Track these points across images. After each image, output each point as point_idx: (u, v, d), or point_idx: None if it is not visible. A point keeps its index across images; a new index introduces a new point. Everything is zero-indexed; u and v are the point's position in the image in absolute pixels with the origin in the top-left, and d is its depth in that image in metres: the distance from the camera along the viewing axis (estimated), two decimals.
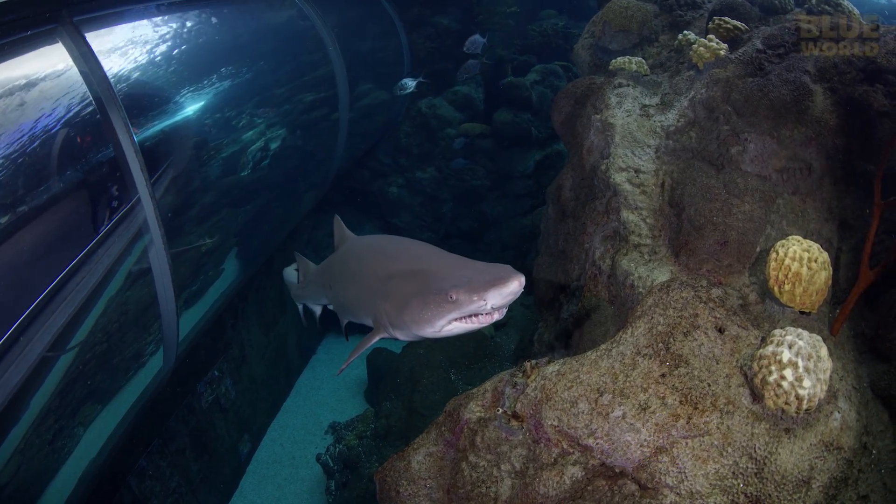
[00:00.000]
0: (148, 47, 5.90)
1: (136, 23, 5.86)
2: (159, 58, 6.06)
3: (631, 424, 3.13)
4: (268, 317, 10.35)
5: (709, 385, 3.22)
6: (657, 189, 5.25)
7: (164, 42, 6.23)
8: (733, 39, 6.03)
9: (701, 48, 5.79)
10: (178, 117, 6.17)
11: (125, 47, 5.51)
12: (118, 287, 4.88)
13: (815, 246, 3.87)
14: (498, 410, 3.52)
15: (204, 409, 8.24)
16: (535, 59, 14.42)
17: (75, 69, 4.59)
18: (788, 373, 3.09)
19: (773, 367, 3.13)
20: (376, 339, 4.41)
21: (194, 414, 8.04)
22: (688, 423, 3.09)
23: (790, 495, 2.98)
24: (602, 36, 7.60)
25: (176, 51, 6.35)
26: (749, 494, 2.95)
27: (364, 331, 4.64)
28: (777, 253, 3.84)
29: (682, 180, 5.05)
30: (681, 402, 3.15)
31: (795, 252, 3.78)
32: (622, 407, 3.18)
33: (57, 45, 4.49)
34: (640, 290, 4.64)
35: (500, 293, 3.62)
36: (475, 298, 3.62)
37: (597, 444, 3.16)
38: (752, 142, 4.93)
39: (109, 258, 4.64)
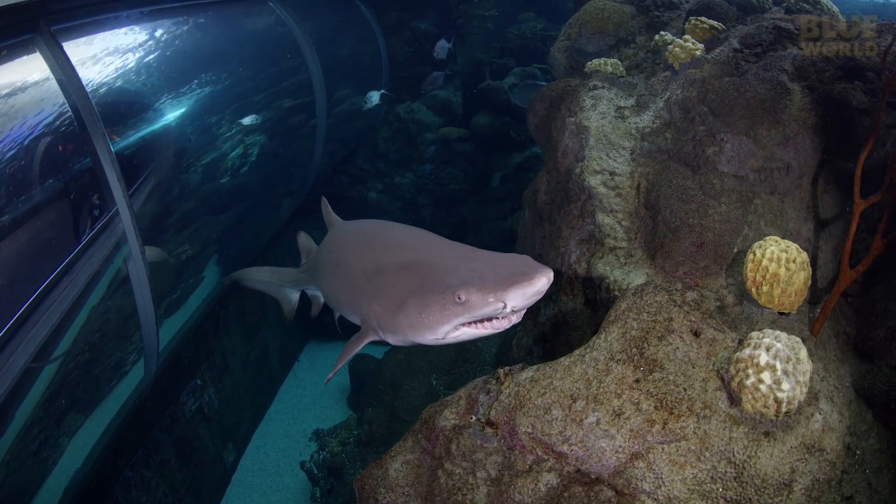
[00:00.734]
0: (127, 55, 5.87)
1: (116, 31, 5.83)
2: (138, 65, 6.04)
3: (605, 431, 3.12)
4: (249, 325, 10.31)
5: (684, 389, 3.20)
6: (632, 191, 5.21)
7: (143, 50, 6.20)
8: (710, 39, 6.05)
9: (676, 49, 5.80)
10: (158, 124, 6.15)
11: (104, 56, 5.48)
12: (100, 296, 4.85)
13: (794, 246, 3.84)
14: (472, 418, 3.45)
15: (188, 418, 8.19)
16: (513, 61, 14.50)
17: (53, 79, 4.57)
18: (766, 376, 3.06)
19: (750, 371, 3.10)
20: (365, 342, 3.92)
21: (178, 423, 7.99)
22: (663, 428, 3.08)
23: (771, 499, 2.97)
24: (578, 38, 7.59)
25: (155, 58, 6.33)
26: (729, 499, 2.94)
27: (356, 328, 4.18)
28: (754, 254, 3.81)
29: (657, 182, 5.03)
30: (656, 407, 3.14)
31: (773, 253, 3.75)
32: (596, 413, 3.17)
33: (35, 54, 4.46)
34: (616, 293, 4.60)
35: (523, 293, 3.14)
36: (491, 299, 3.13)
37: (571, 450, 3.14)
38: (728, 142, 4.92)
39: (91, 267, 4.61)
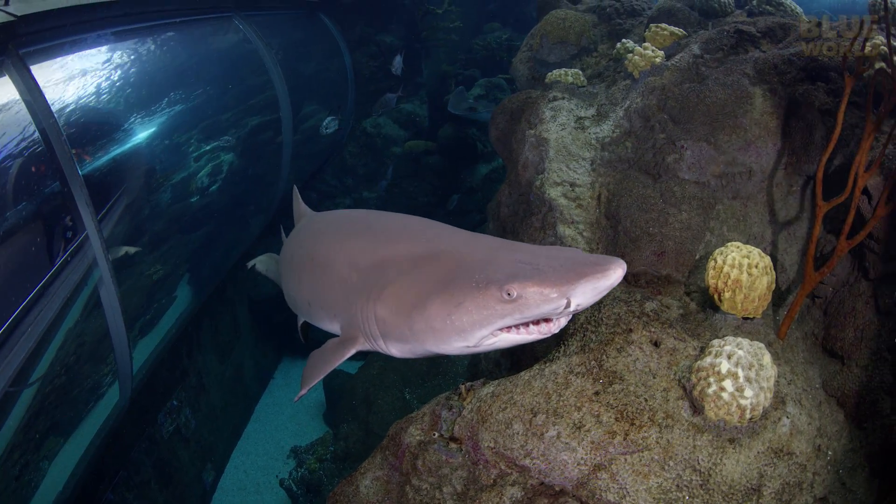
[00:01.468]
0: (96, 76, 5.88)
1: (84, 53, 5.84)
2: (108, 86, 6.05)
3: (566, 444, 3.12)
4: (223, 344, 10.25)
5: (645, 400, 3.23)
6: (593, 202, 5.13)
7: (113, 70, 6.21)
8: (671, 46, 5.99)
9: (636, 57, 5.74)
10: (128, 145, 6.15)
11: (73, 77, 5.49)
12: (76, 319, 4.83)
13: (756, 251, 3.81)
14: (435, 434, 3.43)
15: (166, 439, 8.11)
16: (479, 73, 14.59)
17: (22, 102, 4.56)
18: (728, 384, 3.10)
19: (711, 379, 3.14)
20: (349, 354, 3.34)
21: (156, 445, 7.91)
22: (625, 439, 3.09)
23: None
24: (540, 49, 7.53)
25: (123, 78, 6.34)
26: None
27: (321, 337, 3.61)
28: (715, 261, 3.76)
29: (618, 192, 4.97)
30: (616, 418, 3.16)
31: (734, 259, 3.69)
32: (556, 427, 3.17)
33: (4, 77, 4.45)
34: None
35: (594, 287, 2.64)
36: (554, 295, 2.62)
37: (534, 464, 3.14)
38: (688, 149, 4.86)
39: (66, 289, 4.60)
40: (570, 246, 4.45)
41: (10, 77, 4.51)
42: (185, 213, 7.54)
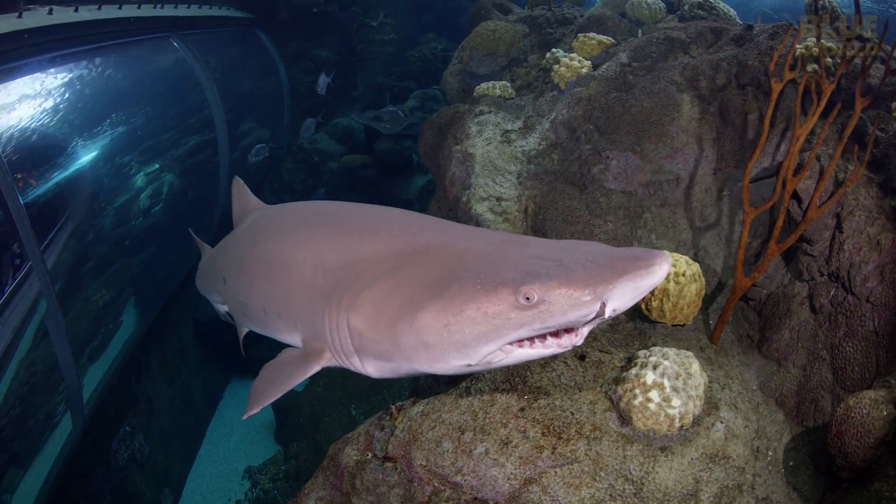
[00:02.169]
0: (38, 101, 5.83)
1: (23, 78, 5.78)
2: (48, 111, 5.96)
3: (495, 460, 3.15)
4: (170, 367, 10.09)
5: (572, 413, 3.26)
6: (520, 215, 5.12)
7: (55, 94, 6.15)
8: (600, 55, 5.97)
9: (562, 68, 5.73)
10: (71, 169, 6.06)
11: (15, 103, 5.40)
12: (27, 348, 4.76)
13: (683, 258, 3.82)
14: (369, 454, 3.45)
15: (121, 466, 7.96)
16: (414, 84, 14.72)
17: None
18: (654, 394, 3.15)
19: (637, 391, 3.19)
20: (311, 372, 2.81)
21: (113, 472, 7.75)
22: (553, 452, 3.12)
23: None
24: (470, 61, 7.47)
25: (63, 102, 6.26)
26: None
27: (270, 352, 3.13)
28: None
29: (544, 204, 4.98)
30: (543, 433, 3.19)
31: None
32: (484, 443, 3.20)
33: None
34: None
35: (635, 286, 2.12)
36: (586, 297, 2.08)
37: (465, 480, 3.17)
38: (614, 159, 4.90)
39: (16, 318, 4.53)
40: None
41: None
42: (129, 235, 7.46)
